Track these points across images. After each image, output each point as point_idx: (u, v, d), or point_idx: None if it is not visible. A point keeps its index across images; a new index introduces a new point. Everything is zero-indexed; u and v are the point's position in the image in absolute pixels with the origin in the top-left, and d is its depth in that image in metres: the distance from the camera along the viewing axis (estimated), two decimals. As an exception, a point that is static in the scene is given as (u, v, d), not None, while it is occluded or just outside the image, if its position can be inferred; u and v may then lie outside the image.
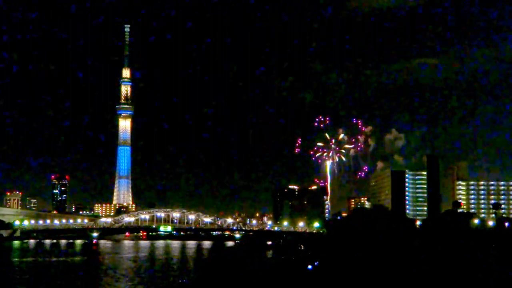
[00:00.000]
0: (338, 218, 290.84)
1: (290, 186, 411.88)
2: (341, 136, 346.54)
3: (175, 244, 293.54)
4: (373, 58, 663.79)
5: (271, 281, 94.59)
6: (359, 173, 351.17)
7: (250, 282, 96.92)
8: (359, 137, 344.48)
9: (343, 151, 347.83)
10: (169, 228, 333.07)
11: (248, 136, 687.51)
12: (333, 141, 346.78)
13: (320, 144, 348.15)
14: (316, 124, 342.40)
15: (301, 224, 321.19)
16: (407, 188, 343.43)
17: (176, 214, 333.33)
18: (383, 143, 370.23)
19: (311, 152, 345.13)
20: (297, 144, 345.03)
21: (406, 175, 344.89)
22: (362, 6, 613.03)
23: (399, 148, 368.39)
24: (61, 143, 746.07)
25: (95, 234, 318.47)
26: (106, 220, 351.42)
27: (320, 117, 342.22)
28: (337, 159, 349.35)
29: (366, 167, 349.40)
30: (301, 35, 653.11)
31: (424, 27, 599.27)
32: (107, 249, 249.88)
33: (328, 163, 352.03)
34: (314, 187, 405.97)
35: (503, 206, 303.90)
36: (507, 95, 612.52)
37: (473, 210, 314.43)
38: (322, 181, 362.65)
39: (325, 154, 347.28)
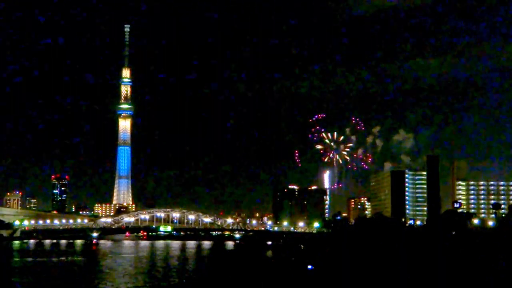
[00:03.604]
0: (338, 218, 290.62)
1: (290, 186, 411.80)
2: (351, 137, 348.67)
3: (175, 244, 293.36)
4: (378, 58, 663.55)
5: (271, 281, 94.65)
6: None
7: (250, 282, 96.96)
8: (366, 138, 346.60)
9: (347, 150, 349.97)
10: (169, 228, 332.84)
11: (248, 135, 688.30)
12: (334, 141, 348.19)
13: (319, 146, 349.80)
14: (312, 120, 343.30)
15: (301, 224, 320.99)
16: (407, 188, 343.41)
17: (176, 214, 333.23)
18: (391, 143, 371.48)
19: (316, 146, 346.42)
20: (296, 156, 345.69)
21: (406, 175, 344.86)
22: (366, 5, 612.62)
23: (408, 149, 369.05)
24: (61, 143, 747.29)
25: (95, 234, 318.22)
26: (106, 220, 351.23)
27: (319, 115, 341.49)
28: (340, 159, 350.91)
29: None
30: (304, 34, 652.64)
31: (428, 26, 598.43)
32: (107, 249, 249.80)
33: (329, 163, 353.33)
34: (314, 187, 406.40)
35: (503, 206, 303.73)
36: (508, 95, 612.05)
37: (473, 210, 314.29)
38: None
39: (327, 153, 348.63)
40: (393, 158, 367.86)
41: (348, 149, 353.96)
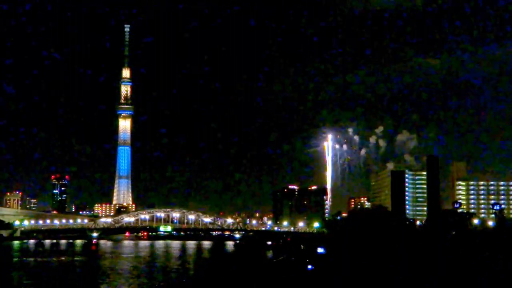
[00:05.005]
0: (338, 218, 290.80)
1: (290, 186, 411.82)
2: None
3: (175, 244, 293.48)
4: (381, 58, 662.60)
5: (271, 281, 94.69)
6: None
7: (250, 282, 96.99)
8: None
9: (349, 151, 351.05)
10: (169, 228, 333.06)
11: (248, 135, 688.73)
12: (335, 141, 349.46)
13: (320, 146, 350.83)
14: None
15: (301, 224, 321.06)
16: (407, 188, 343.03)
17: (176, 214, 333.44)
18: (395, 144, 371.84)
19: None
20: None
21: (406, 175, 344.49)
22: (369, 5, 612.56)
23: (411, 149, 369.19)
24: (61, 143, 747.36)
25: (95, 234, 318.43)
26: (106, 220, 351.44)
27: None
28: (341, 159, 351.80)
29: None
30: (305, 32, 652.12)
31: (429, 27, 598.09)
32: (107, 249, 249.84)
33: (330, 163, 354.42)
34: (314, 187, 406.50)
35: (503, 206, 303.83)
36: (507, 95, 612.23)
37: (473, 210, 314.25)
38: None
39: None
40: (397, 158, 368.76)
41: (350, 150, 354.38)
